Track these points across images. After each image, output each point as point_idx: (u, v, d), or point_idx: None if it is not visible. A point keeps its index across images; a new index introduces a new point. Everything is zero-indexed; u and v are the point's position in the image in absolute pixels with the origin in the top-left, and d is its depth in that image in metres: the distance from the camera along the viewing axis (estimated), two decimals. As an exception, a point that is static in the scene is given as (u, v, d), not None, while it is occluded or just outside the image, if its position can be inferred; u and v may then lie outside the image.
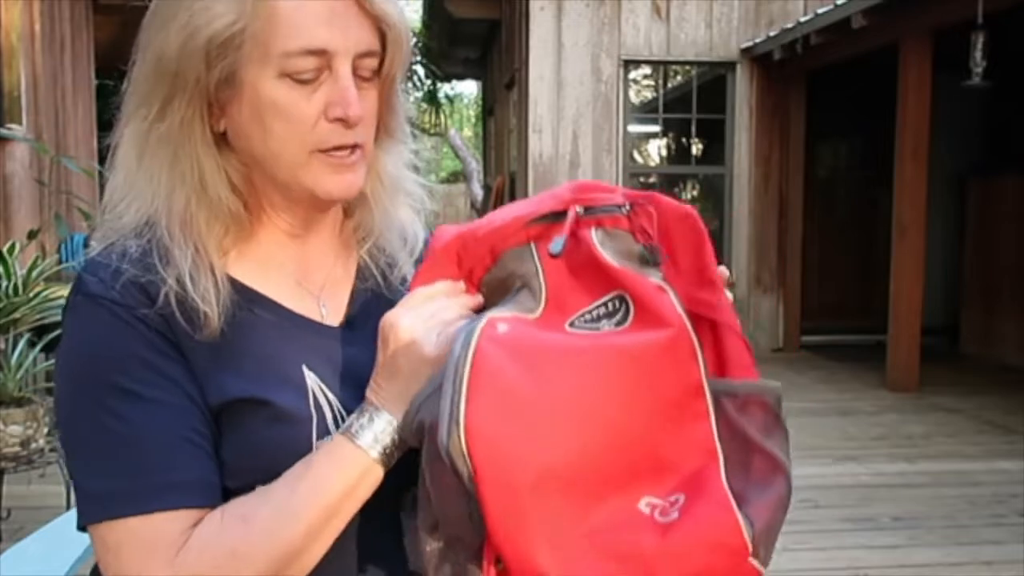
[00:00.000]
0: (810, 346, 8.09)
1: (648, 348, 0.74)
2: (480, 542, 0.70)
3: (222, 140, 0.87)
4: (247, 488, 0.82)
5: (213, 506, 0.81)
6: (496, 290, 0.83)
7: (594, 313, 0.78)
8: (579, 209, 0.82)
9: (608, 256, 0.79)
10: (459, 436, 0.68)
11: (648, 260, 0.80)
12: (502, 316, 0.76)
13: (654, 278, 0.78)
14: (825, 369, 7.21)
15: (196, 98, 0.83)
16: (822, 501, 3.93)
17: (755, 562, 0.73)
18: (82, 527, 0.82)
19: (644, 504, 0.73)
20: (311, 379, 0.86)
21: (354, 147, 0.86)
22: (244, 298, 0.87)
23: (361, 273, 0.97)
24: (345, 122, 0.83)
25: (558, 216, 0.82)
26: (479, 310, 0.83)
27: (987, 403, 5.87)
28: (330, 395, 0.86)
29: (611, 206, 0.82)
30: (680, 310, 0.77)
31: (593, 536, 0.71)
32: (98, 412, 0.81)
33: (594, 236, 0.80)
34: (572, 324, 0.78)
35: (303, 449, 0.83)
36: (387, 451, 0.80)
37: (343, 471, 0.80)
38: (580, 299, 0.79)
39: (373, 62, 0.86)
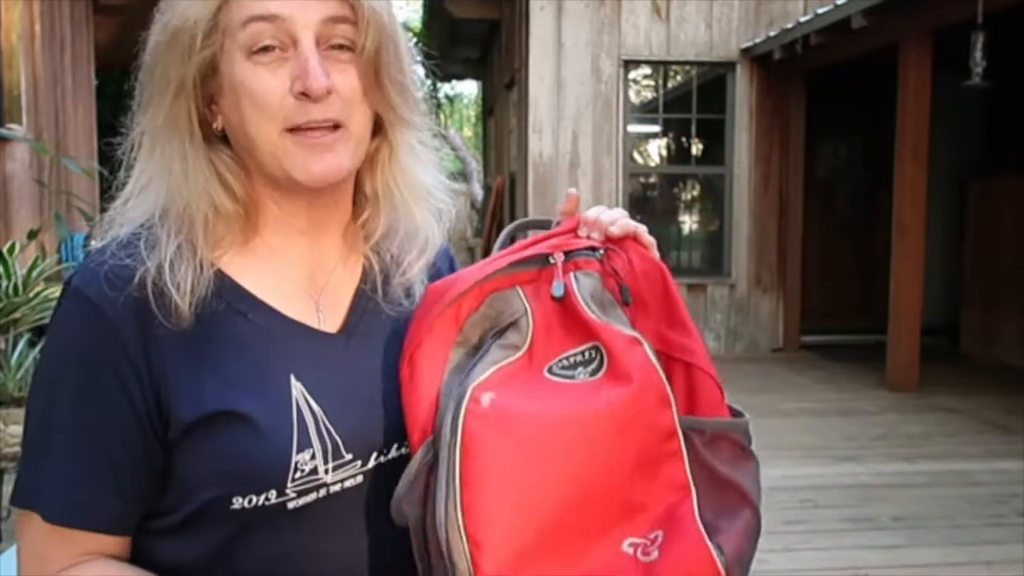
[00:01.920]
0: (810, 346, 8.09)
1: (617, 408, 0.79)
2: None
3: (220, 139, 0.87)
4: (224, 499, 0.82)
5: (117, 535, 0.84)
6: (480, 327, 0.86)
7: (571, 359, 0.83)
8: (560, 255, 0.87)
9: (585, 304, 0.84)
10: (458, 517, 0.75)
11: (617, 301, 0.86)
12: (485, 380, 0.80)
13: (627, 330, 0.83)
14: (825, 369, 7.21)
15: (179, 93, 0.83)
16: (822, 501, 3.93)
17: None
18: (13, 503, 0.85)
19: (627, 545, 0.79)
20: (297, 389, 0.85)
21: (333, 127, 0.84)
22: (237, 299, 0.86)
23: (364, 276, 0.95)
24: (308, 95, 0.81)
25: (541, 262, 0.87)
26: (473, 347, 0.86)
27: (987, 403, 5.87)
28: (315, 406, 0.85)
29: (586, 250, 0.88)
30: (653, 359, 0.82)
31: None
32: (51, 404, 0.83)
33: (575, 284, 0.85)
34: (551, 370, 0.83)
35: (281, 463, 0.83)
36: None
37: None
38: (561, 343, 0.84)
39: (346, 30, 0.84)
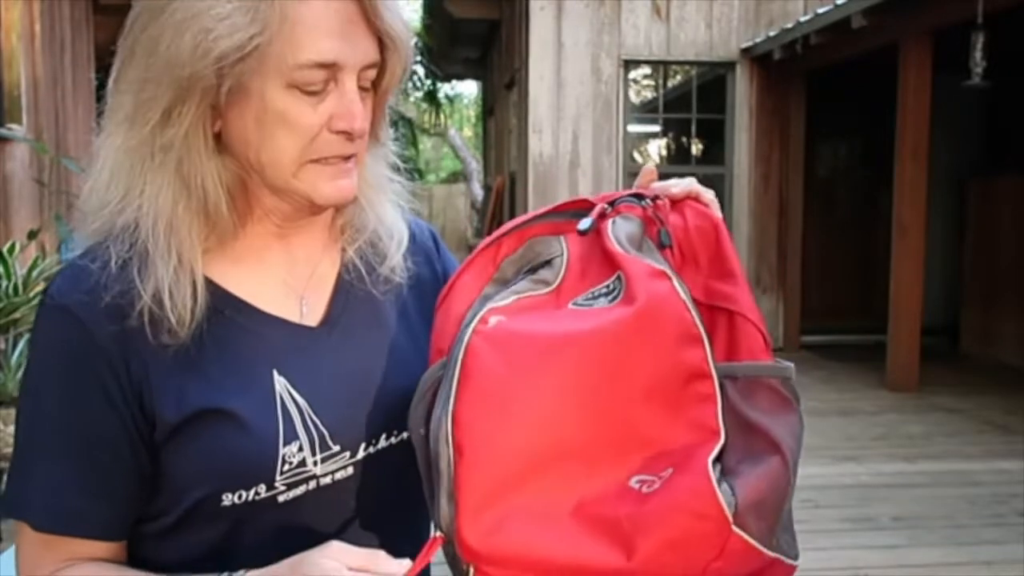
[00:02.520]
0: (810, 346, 8.09)
1: (617, 328, 0.78)
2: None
3: (216, 141, 0.86)
4: (214, 496, 0.83)
5: (109, 541, 0.85)
6: (515, 265, 0.88)
7: (596, 292, 0.83)
8: (604, 204, 0.88)
9: (616, 243, 0.84)
10: (447, 425, 0.75)
11: (658, 246, 0.86)
12: (501, 306, 0.81)
13: (656, 263, 0.82)
14: (825, 369, 7.21)
15: (202, 106, 0.82)
16: (822, 501, 3.93)
17: (741, 532, 0.74)
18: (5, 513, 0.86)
19: (635, 481, 0.77)
20: (280, 383, 0.86)
21: (350, 156, 0.87)
22: (218, 300, 0.87)
23: (346, 269, 0.96)
24: (349, 135, 0.84)
25: (583, 213, 0.88)
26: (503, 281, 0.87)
27: (987, 403, 5.87)
28: (299, 399, 0.86)
29: (631, 196, 0.89)
30: (682, 294, 0.81)
31: (577, 511, 0.76)
32: (36, 415, 0.84)
33: (609, 226, 0.85)
34: (576, 302, 0.83)
35: (268, 456, 0.83)
36: None
37: None
38: (592, 281, 0.84)
39: (373, 73, 0.87)
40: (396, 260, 0.97)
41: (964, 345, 7.89)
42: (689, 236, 0.87)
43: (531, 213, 0.90)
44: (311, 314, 0.92)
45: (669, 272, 0.82)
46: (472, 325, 0.79)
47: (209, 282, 0.86)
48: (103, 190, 0.85)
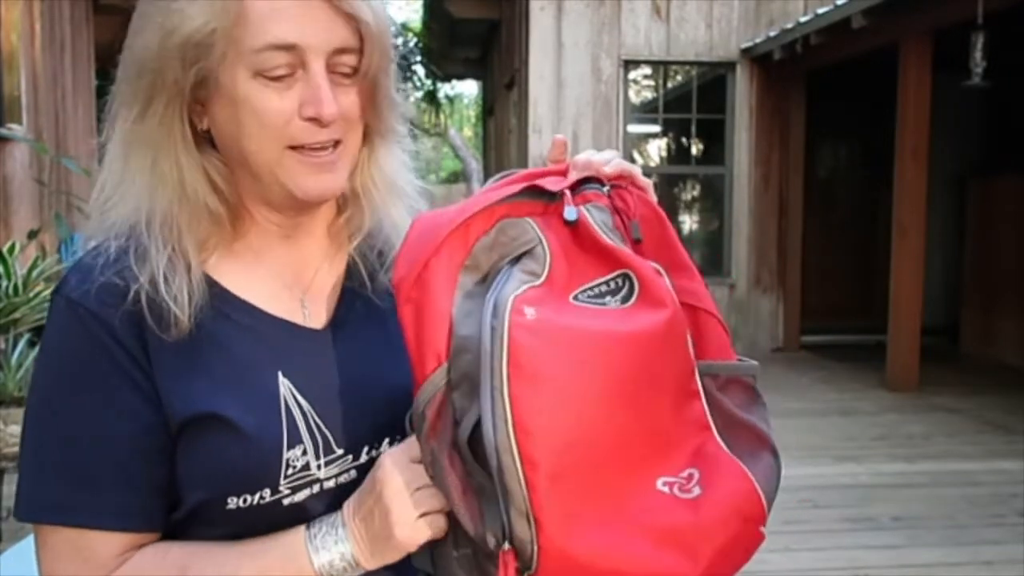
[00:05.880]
0: (810, 346, 8.09)
1: (659, 329, 0.76)
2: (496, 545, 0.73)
3: (206, 140, 0.87)
4: (219, 499, 0.82)
5: (151, 531, 0.84)
6: (491, 253, 0.81)
7: (597, 289, 0.79)
8: (567, 191, 0.84)
9: (604, 233, 0.81)
10: (510, 436, 0.70)
11: (626, 239, 0.83)
12: (523, 295, 0.75)
13: (647, 261, 0.81)
14: (825, 369, 7.21)
15: (175, 99, 0.83)
16: (822, 501, 3.93)
17: (763, 529, 0.77)
18: (23, 519, 0.83)
19: (661, 483, 0.76)
20: (284, 386, 0.85)
21: (333, 145, 0.85)
22: (222, 302, 0.86)
23: (350, 273, 0.95)
24: (318, 121, 0.83)
25: (548, 197, 0.83)
26: (483, 276, 0.80)
27: (987, 403, 5.87)
28: (303, 402, 0.86)
29: (595, 184, 0.85)
30: (673, 294, 0.80)
31: (638, 520, 0.74)
32: (60, 415, 0.82)
33: (588, 215, 0.82)
34: (576, 297, 0.78)
35: (272, 462, 0.83)
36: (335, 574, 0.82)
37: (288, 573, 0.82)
38: (583, 273, 0.80)
39: (351, 59, 0.85)
40: None
41: (964, 345, 7.89)
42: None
43: (494, 192, 0.82)
44: (314, 317, 0.92)
45: (661, 270, 0.81)
46: (507, 316, 0.72)
47: (213, 283, 0.86)
48: (105, 184, 0.87)
